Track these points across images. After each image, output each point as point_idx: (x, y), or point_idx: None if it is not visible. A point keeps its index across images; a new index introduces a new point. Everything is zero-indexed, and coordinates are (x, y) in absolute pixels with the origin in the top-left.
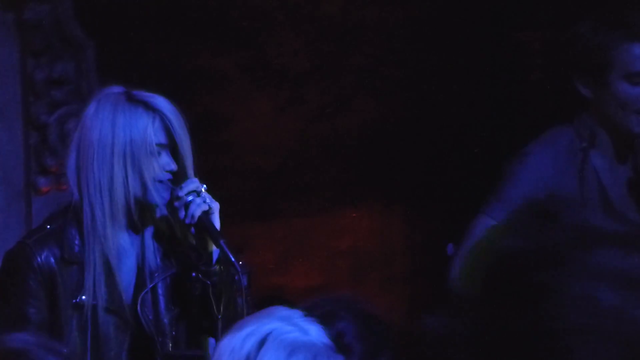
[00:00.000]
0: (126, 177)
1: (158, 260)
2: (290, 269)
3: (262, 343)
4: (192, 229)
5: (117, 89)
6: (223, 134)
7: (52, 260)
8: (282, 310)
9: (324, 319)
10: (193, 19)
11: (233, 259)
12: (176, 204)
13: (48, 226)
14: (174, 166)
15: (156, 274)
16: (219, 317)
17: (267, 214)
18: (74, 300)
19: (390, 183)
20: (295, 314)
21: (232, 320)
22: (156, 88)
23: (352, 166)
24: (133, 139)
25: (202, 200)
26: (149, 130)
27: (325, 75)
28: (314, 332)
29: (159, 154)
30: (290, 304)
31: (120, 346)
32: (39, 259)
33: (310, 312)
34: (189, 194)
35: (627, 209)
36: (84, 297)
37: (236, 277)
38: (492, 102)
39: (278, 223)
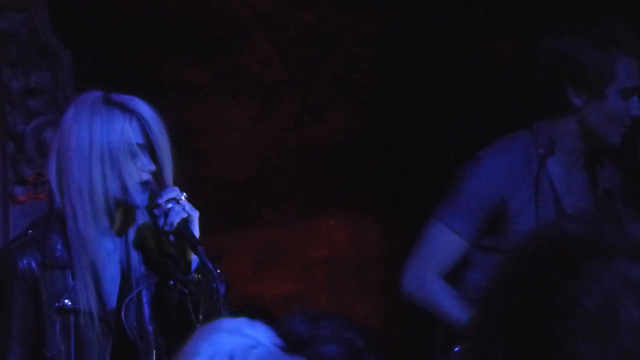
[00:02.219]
0: (104, 178)
1: (142, 267)
2: (266, 277)
3: None
4: (171, 237)
5: (95, 92)
6: (198, 143)
7: (34, 265)
8: (227, 323)
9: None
10: (168, 29)
11: (211, 267)
12: (156, 211)
13: (30, 232)
14: (152, 166)
15: (140, 281)
16: (198, 326)
17: (242, 223)
18: (56, 304)
19: (365, 191)
20: (242, 324)
21: None
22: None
23: (328, 174)
24: (110, 140)
25: (181, 208)
26: (126, 130)
27: (299, 84)
28: (266, 337)
29: (137, 154)
30: (268, 312)
31: (103, 351)
32: (20, 265)
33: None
34: (168, 201)
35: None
36: (66, 301)
37: (214, 285)
38: (467, 109)
39: (253, 232)
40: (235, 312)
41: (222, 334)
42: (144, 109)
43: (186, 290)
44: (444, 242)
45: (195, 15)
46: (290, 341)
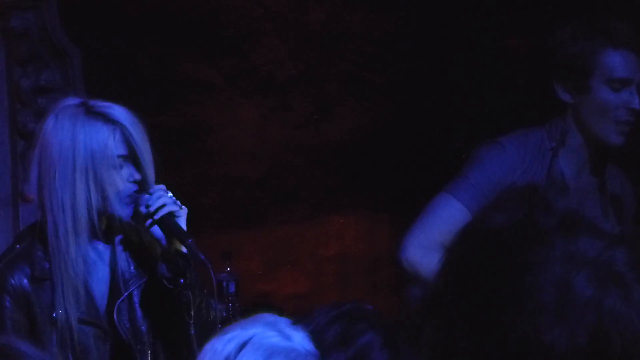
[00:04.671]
0: (89, 192)
1: (132, 268)
2: (277, 275)
3: (242, 346)
4: (157, 234)
5: (73, 100)
6: (209, 141)
7: (25, 280)
8: (268, 317)
9: (343, 336)
10: (179, 27)
11: (204, 258)
12: (143, 209)
13: (18, 246)
14: (137, 175)
15: (131, 282)
16: (191, 322)
17: (253, 221)
18: (54, 315)
19: (376, 189)
20: (281, 321)
21: (206, 324)
22: (142, 96)
23: (339, 173)
24: (94, 154)
25: (171, 201)
26: (109, 143)
27: (311, 82)
28: (297, 339)
29: (121, 166)
30: (278, 310)
31: (102, 357)
32: (12, 281)
33: (319, 330)
34: (158, 198)
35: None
36: (60, 311)
37: (213, 278)
38: (479, 107)
39: (265, 230)
40: (246, 309)
41: (256, 324)
42: (126, 118)
43: (171, 286)
44: (451, 214)
45: (207, 13)
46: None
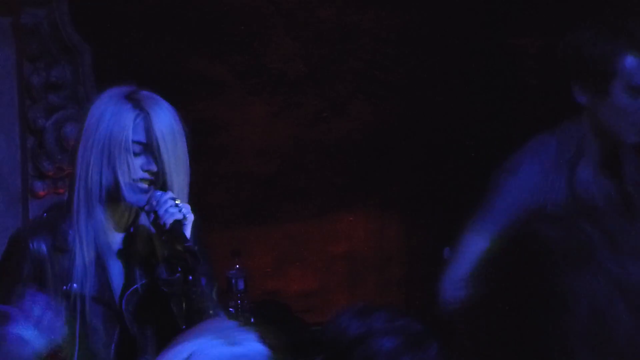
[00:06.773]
0: (101, 169)
1: (145, 262)
2: (286, 273)
3: None
4: (164, 237)
5: (126, 87)
6: (219, 139)
7: (44, 247)
8: (214, 323)
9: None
10: (189, 25)
11: (206, 269)
12: (147, 208)
13: (45, 215)
14: (152, 167)
15: (142, 276)
16: (183, 327)
17: (263, 219)
18: (64, 287)
19: (386, 187)
20: (227, 326)
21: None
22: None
23: (348, 171)
24: (112, 134)
25: (177, 210)
26: (128, 126)
27: (321, 80)
28: (245, 342)
29: (138, 153)
30: (287, 307)
31: (109, 338)
32: (31, 246)
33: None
34: (165, 202)
35: None
36: (75, 285)
37: (209, 287)
38: (488, 106)
39: (274, 227)
40: (256, 307)
41: (200, 333)
42: (155, 108)
43: (165, 289)
44: (482, 251)
45: (217, 11)
46: (343, 344)
